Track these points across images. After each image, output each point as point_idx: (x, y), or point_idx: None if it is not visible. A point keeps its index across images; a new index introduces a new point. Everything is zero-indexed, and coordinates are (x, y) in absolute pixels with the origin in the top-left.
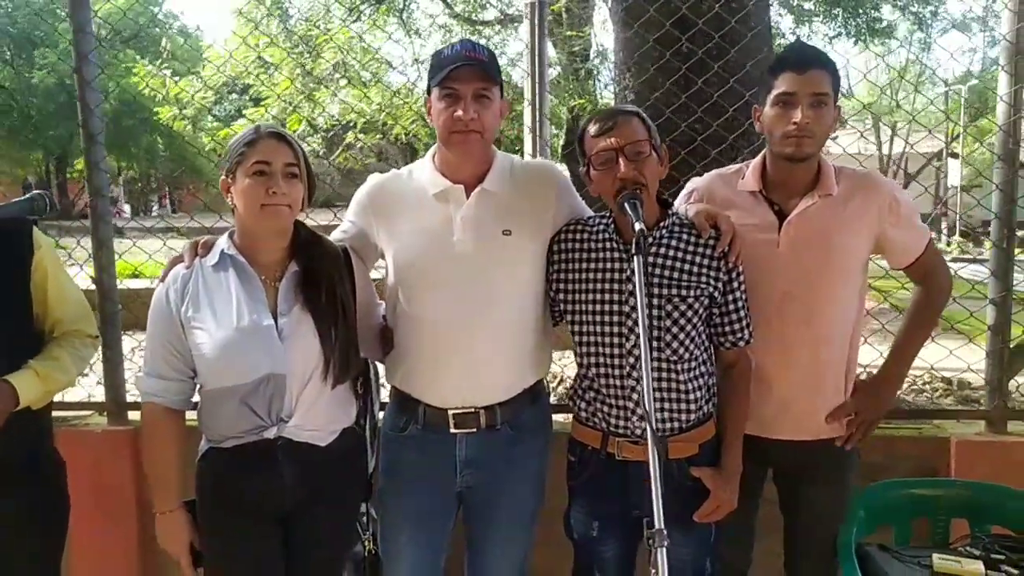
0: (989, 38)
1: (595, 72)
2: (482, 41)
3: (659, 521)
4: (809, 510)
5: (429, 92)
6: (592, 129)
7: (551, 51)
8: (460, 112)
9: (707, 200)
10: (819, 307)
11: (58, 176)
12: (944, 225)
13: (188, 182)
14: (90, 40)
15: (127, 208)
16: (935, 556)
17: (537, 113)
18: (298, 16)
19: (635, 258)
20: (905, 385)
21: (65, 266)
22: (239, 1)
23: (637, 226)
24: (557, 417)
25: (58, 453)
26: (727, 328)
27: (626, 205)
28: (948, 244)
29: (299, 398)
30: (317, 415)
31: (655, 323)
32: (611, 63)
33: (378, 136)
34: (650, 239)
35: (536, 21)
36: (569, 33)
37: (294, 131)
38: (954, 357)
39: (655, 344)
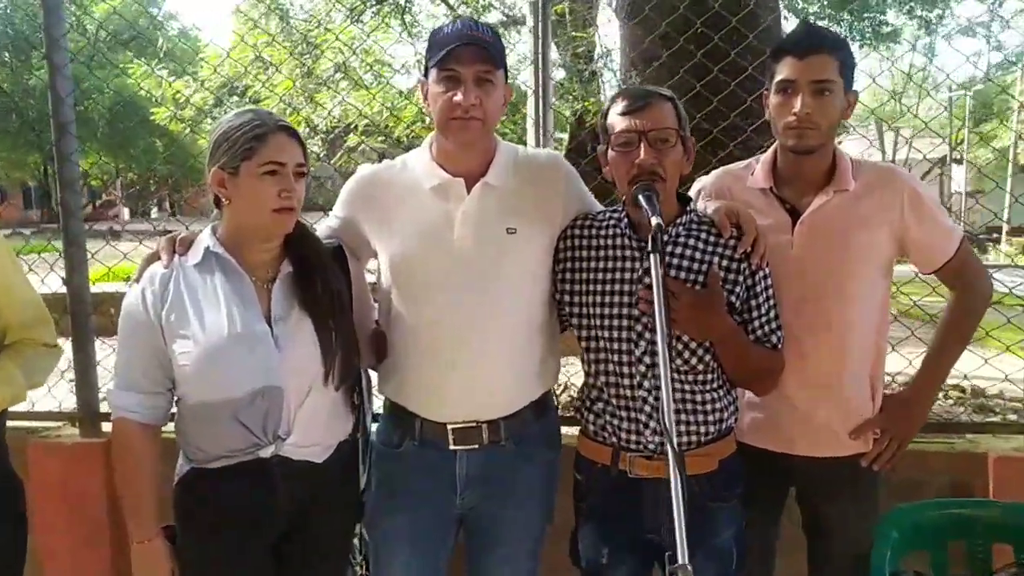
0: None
1: (599, 74)
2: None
3: (683, 556)
4: (835, 532)
5: (426, 74)
6: (619, 106)
7: (554, 53)
8: (460, 97)
9: (716, 197)
10: (838, 313)
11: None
12: None
13: (188, 185)
14: (61, 24)
15: (126, 211)
16: None
17: (541, 119)
18: (298, 15)
19: (651, 256)
20: None
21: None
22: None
23: (654, 220)
24: (564, 430)
25: (15, 475)
26: (752, 335)
27: (640, 197)
28: None
29: (298, 412)
30: (316, 430)
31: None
32: (616, 63)
33: (380, 139)
34: (665, 236)
35: (540, 17)
36: (573, 34)
37: None
38: (990, 366)
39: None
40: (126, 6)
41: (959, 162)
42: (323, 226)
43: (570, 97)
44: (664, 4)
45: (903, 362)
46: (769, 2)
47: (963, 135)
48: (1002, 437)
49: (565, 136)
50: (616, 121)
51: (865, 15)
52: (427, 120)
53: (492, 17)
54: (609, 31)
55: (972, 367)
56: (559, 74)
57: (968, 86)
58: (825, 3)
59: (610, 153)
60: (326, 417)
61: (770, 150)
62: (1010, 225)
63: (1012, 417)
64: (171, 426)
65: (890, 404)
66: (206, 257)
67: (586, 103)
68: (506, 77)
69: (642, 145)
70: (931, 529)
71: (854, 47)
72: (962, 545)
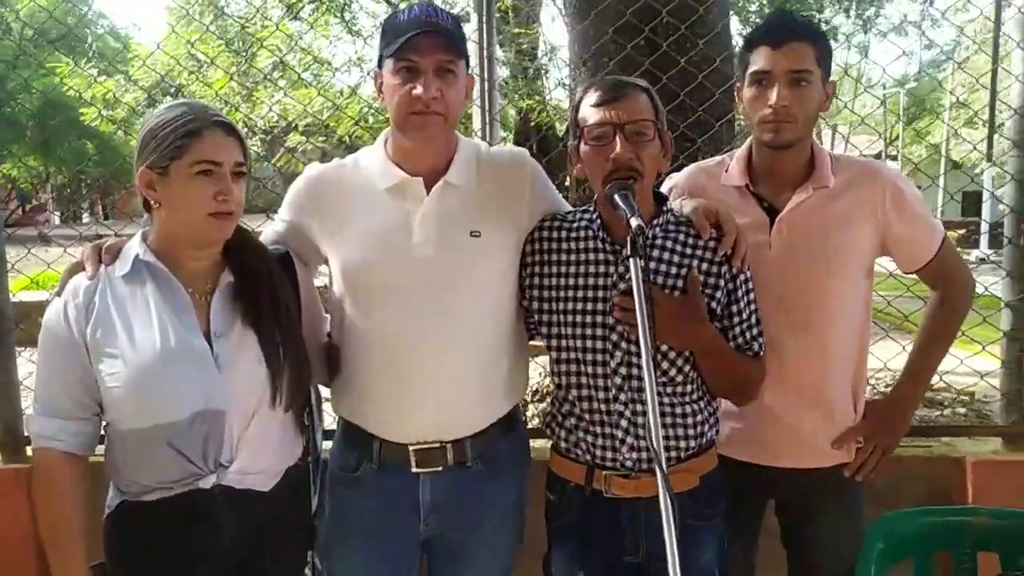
0: (926, 41)
1: (544, 71)
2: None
3: None
4: (818, 544)
5: (380, 64)
6: (592, 97)
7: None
8: (419, 90)
9: (688, 195)
10: (820, 316)
11: None
12: None
13: (120, 187)
14: None
15: (55, 216)
16: None
17: (487, 118)
18: (234, 12)
19: (631, 260)
20: None
21: None
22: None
23: (634, 221)
24: (534, 443)
25: None
26: (732, 342)
27: (616, 197)
28: None
29: (242, 438)
30: (263, 456)
31: (634, 339)
32: (561, 60)
33: (320, 139)
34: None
35: (485, 14)
36: (517, 31)
37: None
38: (966, 367)
39: (641, 363)
40: (53, 3)
41: (894, 158)
42: (268, 231)
43: (515, 96)
44: (610, 10)
45: (876, 363)
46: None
47: (898, 131)
48: (979, 440)
49: (510, 135)
50: (589, 113)
51: (803, 13)
52: (371, 120)
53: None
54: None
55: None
56: (503, 72)
57: (902, 83)
58: (765, 1)
59: (583, 148)
60: (274, 442)
61: (744, 145)
62: (944, 220)
63: (961, 411)
64: (101, 448)
65: (873, 411)
66: (136, 267)
67: (531, 101)
68: (467, 66)
69: (618, 138)
70: (917, 539)
71: None
72: (948, 555)
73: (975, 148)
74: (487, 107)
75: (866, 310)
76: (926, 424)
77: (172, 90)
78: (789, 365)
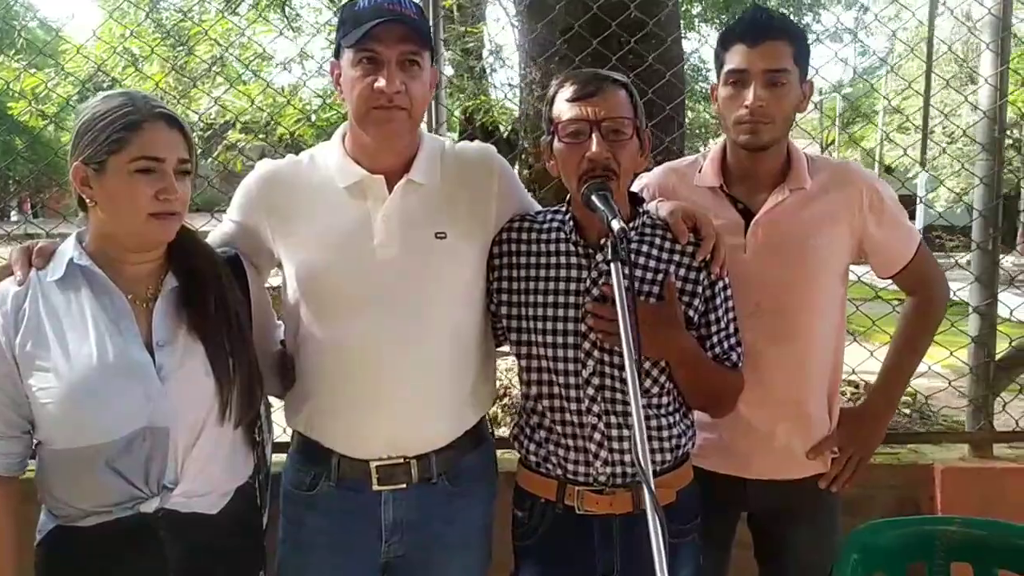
0: (860, 47)
1: (490, 70)
2: None
3: None
4: (791, 557)
5: (337, 55)
6: (567, 91)
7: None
8: (382, 82)
9: (660, 196)
10: (796, 322)
11: None
12: None
13: (51, 184)
14: None
15: None
16: None
17: (434, 119)
18: (171, 3)
19: (612, 265)
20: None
21: None
22: None
23: (615, 224)
24: (500, 452)
25: None
26: (710, 351)
27: (594, 198)
28: None
29: (187, 457)
30: (211, 476)
31: (607, 347)
32: (507, 60)
33: (260, 137)
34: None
35: (431, 11)
36: (463, 29)
37: None
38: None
39: (615, 373)
40: None
41: None
42: (216, 232)
43: (461, 96)
44: (559, 17)
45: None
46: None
47: (833, 136)
48: (944, 446)
49: (455, 135)
50: (564, 108)
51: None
52: (313, 118)
53: None
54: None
55: (857, 360)
56: (448, 71)
57: (838, 88)
58: (707, 4)
59: (556, 145)
60: (222, 460)
61: (717, 145)
62: None
63: (905, 411)
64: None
65: (847, 419)
66: (70, 271)
67: (477, 100)
68: (433, 58)
69: (594, 136)
70: (891, 550)
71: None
72: (921, 565)
73: (905, 153)
74: (434, 107)
75: (841, 315)
76: (892, 431)
77: (105, 84)
78: (764, 372)
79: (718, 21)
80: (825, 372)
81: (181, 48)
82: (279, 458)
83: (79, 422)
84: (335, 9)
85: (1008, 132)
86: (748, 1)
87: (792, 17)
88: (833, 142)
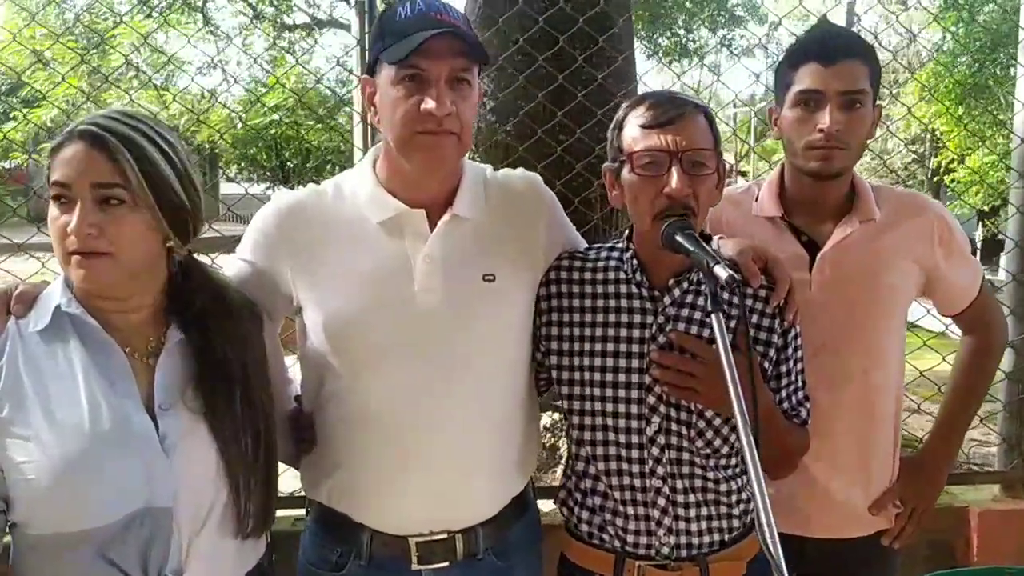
0: (773, 64)
1: None
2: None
3: None
4: None
5: (372, 71)
6: (642, 116)
7: None
8: (431, 104)
9: (712, 230)
10: (862, 365)
11: None
12: None
13: None
14: None
15: None
16: None
17: (370, 129)
18: (79, 5)
19: (713, 317)
20: None
21: None
22: None
23: (721, 272)
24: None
25: None
26: (779, 407)
27: (679, 238)
28: None
29: (194, 541)
30: (222, 563)
31: (674, 402)
32: None
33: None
34: (676, 290)
35: (367, 20)
36: None
37: None
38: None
39: (682, 431)
40: None
41: (744, 175)
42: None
43: None
44: (517, 11)
45: None
46: (622, 10)
47: (746, 149)
48: (976, 486)
49: None
50: (638, 135)
51: (672, 30)
52: (239, 125)
53: (300, 17)
54: None
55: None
56: None
57: (751, 104)
58: (633, 17)
59: (626, 175)
60: (232, 546)
61: (774, 172)
62: None
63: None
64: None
65: (908, 470)
66: (57, 320)
67: None
68: (479, 74)
69: (674, 170)
70: None
71: (653, 62)
72: None
73: None
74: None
75: (902, 356)
76: None
77: (5, 88)
78: (832, 424)
79: (644, 35)
80: (889, 420)
81: (94, 52)
82: (282, 513)
83: (66, 502)
84: (251, 16)
85: None
86: (677, 20)
87: (709, 32)
88: (748, 153)
